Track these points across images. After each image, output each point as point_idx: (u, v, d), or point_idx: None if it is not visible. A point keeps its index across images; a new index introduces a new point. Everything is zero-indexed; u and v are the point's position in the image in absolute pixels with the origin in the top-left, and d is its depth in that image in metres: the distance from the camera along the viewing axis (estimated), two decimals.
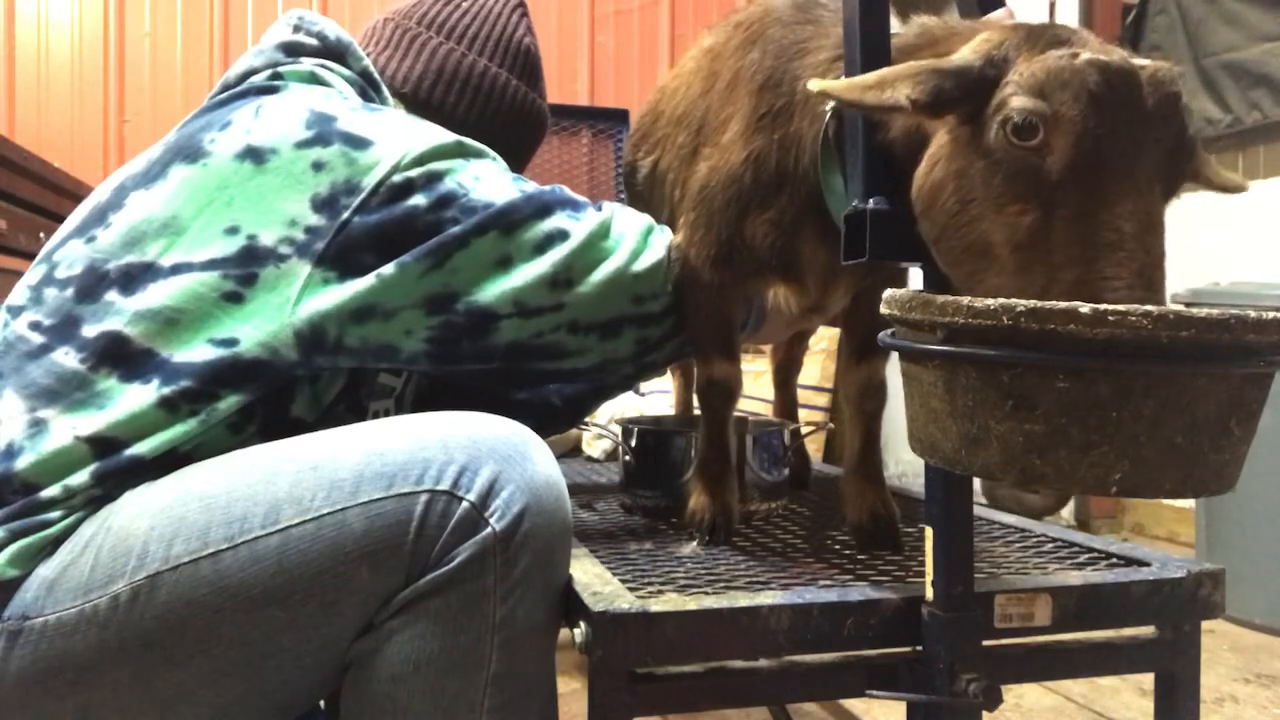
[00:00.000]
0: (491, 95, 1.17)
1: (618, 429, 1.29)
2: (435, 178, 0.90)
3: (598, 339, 0.99)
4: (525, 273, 0.93)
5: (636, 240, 1.00)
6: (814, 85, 0.72)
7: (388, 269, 0.88)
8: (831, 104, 0.85)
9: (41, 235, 2.29)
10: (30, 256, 2.14)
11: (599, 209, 1.00)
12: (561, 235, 0.95)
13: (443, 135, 0.94)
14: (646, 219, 1.05)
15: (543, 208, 0.94)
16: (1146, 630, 0.90)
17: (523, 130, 1.22)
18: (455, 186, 0.91)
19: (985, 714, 0.78)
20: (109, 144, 3.58)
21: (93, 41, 3.57)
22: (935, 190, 0.72)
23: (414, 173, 0.89)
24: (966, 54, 0.71)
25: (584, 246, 0.95)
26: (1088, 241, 0.63)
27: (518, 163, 1.25)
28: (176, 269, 0.86)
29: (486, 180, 0.93)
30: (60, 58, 3.56)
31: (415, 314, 0.90)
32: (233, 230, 0.87)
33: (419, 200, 0.89)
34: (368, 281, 0.87)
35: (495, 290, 0.92)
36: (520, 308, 0.93)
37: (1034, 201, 0.66)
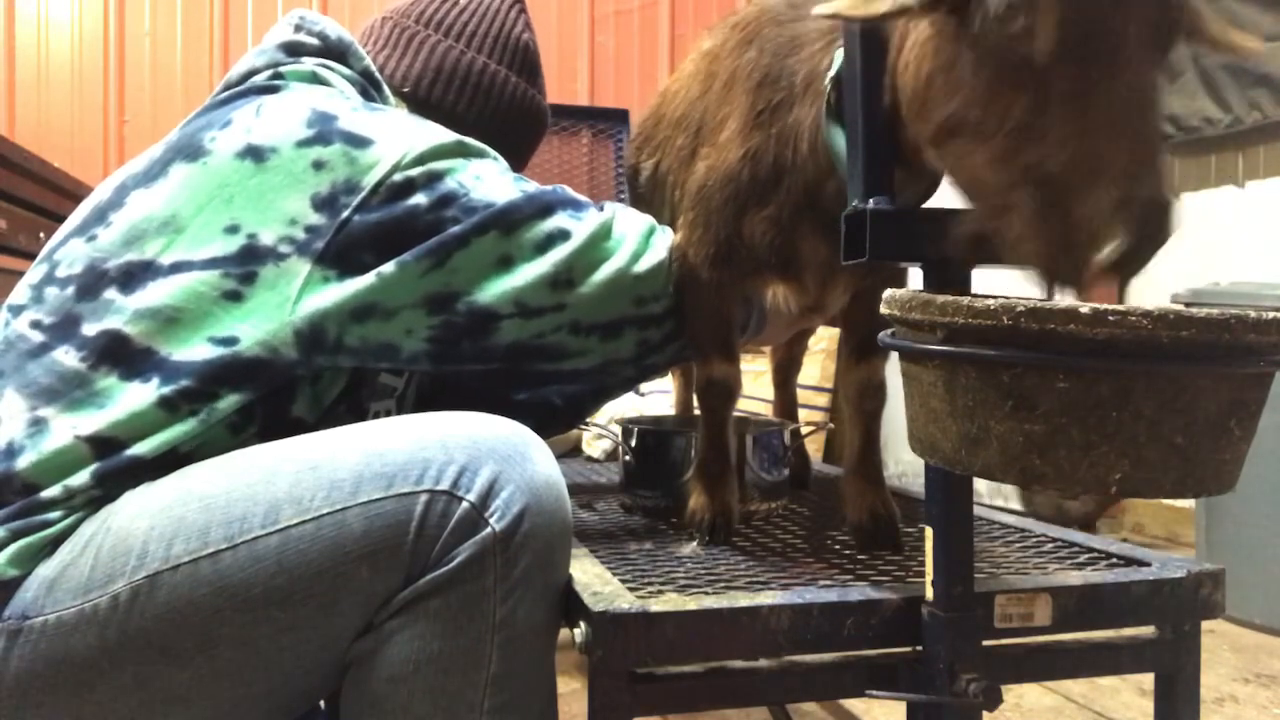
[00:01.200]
0: (491, 93, 1.17)
1: (618, 429, 1.29)
2: (436, 177, 0.90)
3: (599, 340, 0.99)
4: (526, 272, 0.92)
5: (638, 241, 1.00)
6: (822, 9, 0.71)
7: (388, 268, 0.88)
8: (830, 76, 0.85)
9: (41, 235, 2.29)
10: (30, 256, 2.14)
11: (600, 209, 1.00)
12: (563, 235, 0.95)
13: (444, 134, 0.94)
14: (648, 220, 1.05)
15: (544, 207, 0.94)
16: (1146, 630, 0.90)
17: (523, 127, 1.22)
18: (456, 186, 0.91)
19: (985, 714, 0.78)
20: (109, 144, 3.57)
21: (93, 41, 3.57)
22: (926, 86, 0.72)
23: (415, 172, 0.89)
24: None
25: (585, 247, 0.95)
26: (1081, 121, 0.62)
27: (519, 160, 1.25)
28: (176, 267, 0.86)
29: (487, 180, 0.93)
30: (60, 58, 3.56)
31: (416, 313, 0.90)
32: (233, 229, 0.87)
33: (420, 199, 0.89)
34: (368, 280, 0.87)
35: (496, 290, 0.92)
36: (521, 308, 0.93)
37: (1025, 87, 0.65)
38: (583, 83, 3.87)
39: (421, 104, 1.15)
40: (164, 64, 3.61)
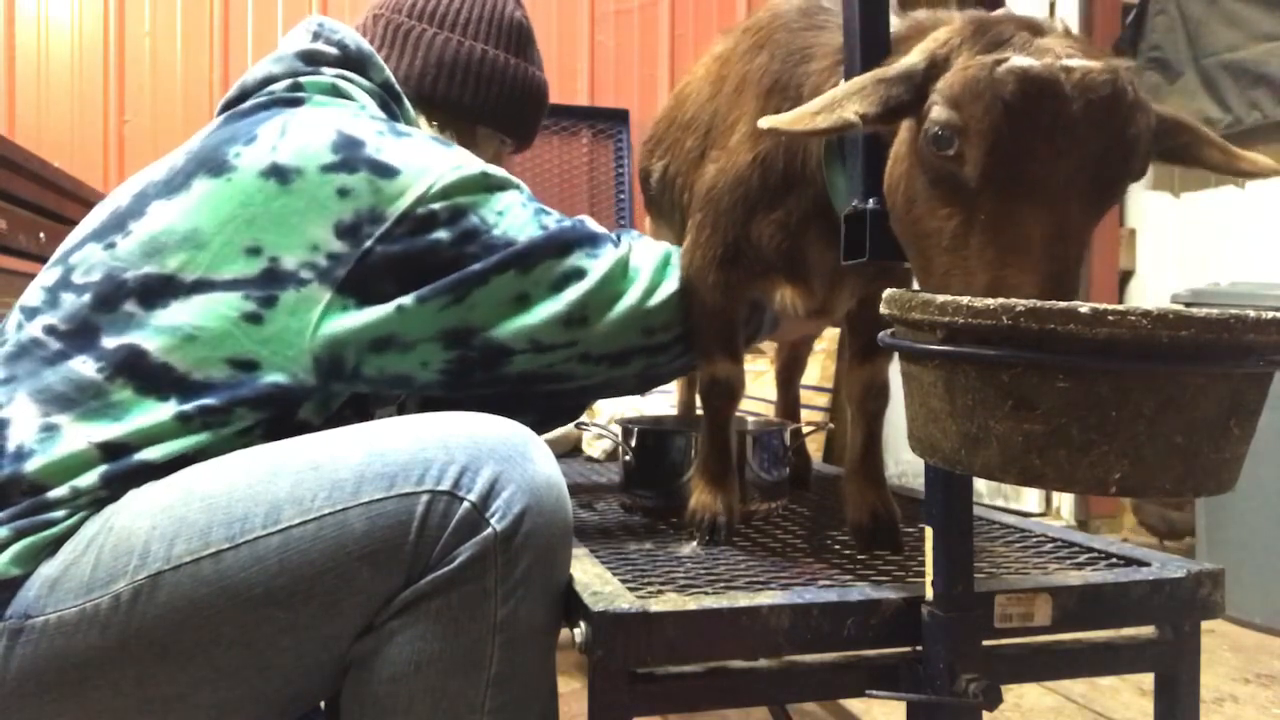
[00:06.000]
0: (494, 79, 1.17)
1: (618, 429, 1.29)
2: (459, 212, 0.91)
3: (607, 367, 1.01)
4: (541, 311, 0.93)
5: (652, 274, 1.01)
6: (763, 122, 0.73)
7: (407, 301, 0.88)
8: None
9: (42, 235, 2.28)
10: (30, 256, 2.14)
11: (617, 243, 1.00)
12: (578, 274, 0.95)
13: (470, 165, 0.94)
14: (665, 248, 1.06)
15: (563, 246, 0.95)
16: (1146, 630, 0.90)
17: (528, 107, 1.23)
18: (478, 222, 0.92)
19: (985, 714, 0.78)
20: (109, 144, 3.57)
21: (93, 41, 3.56)
22: (893, 189, 0.75)
23: (438, 205, 0.90)
24: (914, 55, 0.72)
25: (600, 285, 0.96)
26: (998, 248, 0.65)
27: (526, 137, 1.26)
28: (198, 286, 0.86)
29: (510, 215, 0.94)
30: (60, 58, 3.55)
31: (432, 347, 0.91)
32: (255, 250, 0.87)
33: (442, 234, 0.90)
34: (387, 311, 0.88)
35: (512, 328, 0.93)
36: (535, 344, 0.94)
37: (956, 207, 0.68)
38: (583, 83, 3.86)
39: (426, 100, 1.14)
40: (164, 64, 3.61)
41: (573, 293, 0.95)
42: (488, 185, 0.94)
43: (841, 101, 0.71)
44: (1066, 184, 0.65)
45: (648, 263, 1.02)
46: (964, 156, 0.66)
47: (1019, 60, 0.65)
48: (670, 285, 1.02)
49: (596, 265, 0.97)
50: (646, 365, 1.03)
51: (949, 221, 0.69)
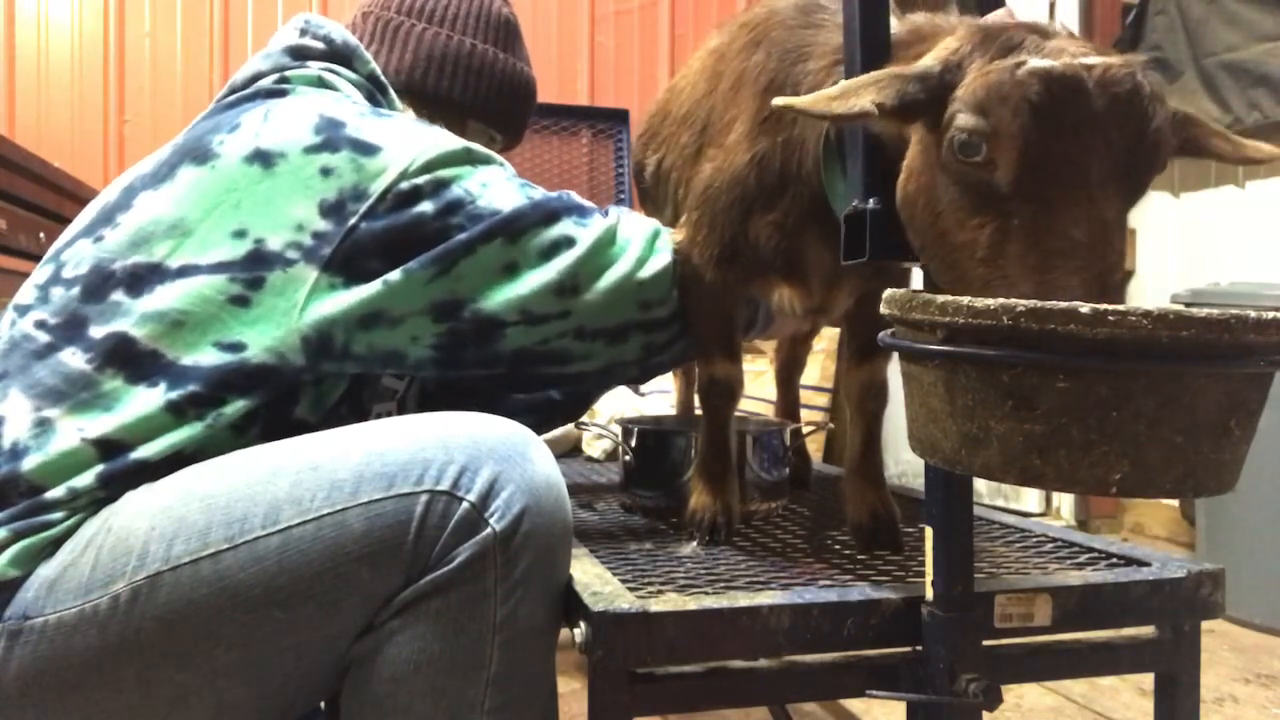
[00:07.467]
0: (483, 73, 1.18)
1: (618, 429, 1.29)
2: (442, 184, 0.91)
3: (604, 344, 0.99)
4: (531, 280, 0.93)
5: (643, 246, 1.00)
6: (778, 101, 0.73)
7: (394, 275, 0.88)
8: None
9: (42, 235, 2.28)
10: (30, 256, 2.14)
11: (605, 215, 1.00)
12: (568, 242, 0.95)
13: (451, 141, 0.94)
14: (653, 224, 1.05)
15: (549, 215, 0.95)
16: (1146, 630, 0.90)
17: (516, 102, 1.23)
18: (462, 193, 0.91)
19: (985, 714, 0.78)
20: (109, 144, 3.57)
21: (93, 41, 3.56)
22: (911, 202, 0.74)
23: (421, 179, 0.90)
24: (928, 59, 0.72)
25: (590, 253, 0.95)
26: (1040, 252, 0.64)
27: (515, 134, 1.26)
28: (183, 271, 0.86)
29: (494, 187, 0.94)
30: (60, 58, 3.55)
31: (422, 321, 0.91)
32: (240, 234, 0.87)
33: (426, 207, 0.89)
34: (374, 288, 0.88)
35: (501, 297, 0.92)
36: (526, 315, 0.93)
37: (989, 215, 0.67)
38: (583, 83, 3.86)
39: (416, 94, 1.15)
40: (164, 64, 3.61)
41: (562, 261, 0.94)
42: (470, 159, 0.94)
43: (858, 90, 0.70)
44: (1100, 181, 0.64)
45: (637, 234, 1.01)
46: (994, 162, 0.66)
47: (1039, 61, 0.64)
48: (661, 259, 1.01)
49: (585, 233, 0.96)
50: (644, 344, 1.02)
51: (982, 231, 0.67)
